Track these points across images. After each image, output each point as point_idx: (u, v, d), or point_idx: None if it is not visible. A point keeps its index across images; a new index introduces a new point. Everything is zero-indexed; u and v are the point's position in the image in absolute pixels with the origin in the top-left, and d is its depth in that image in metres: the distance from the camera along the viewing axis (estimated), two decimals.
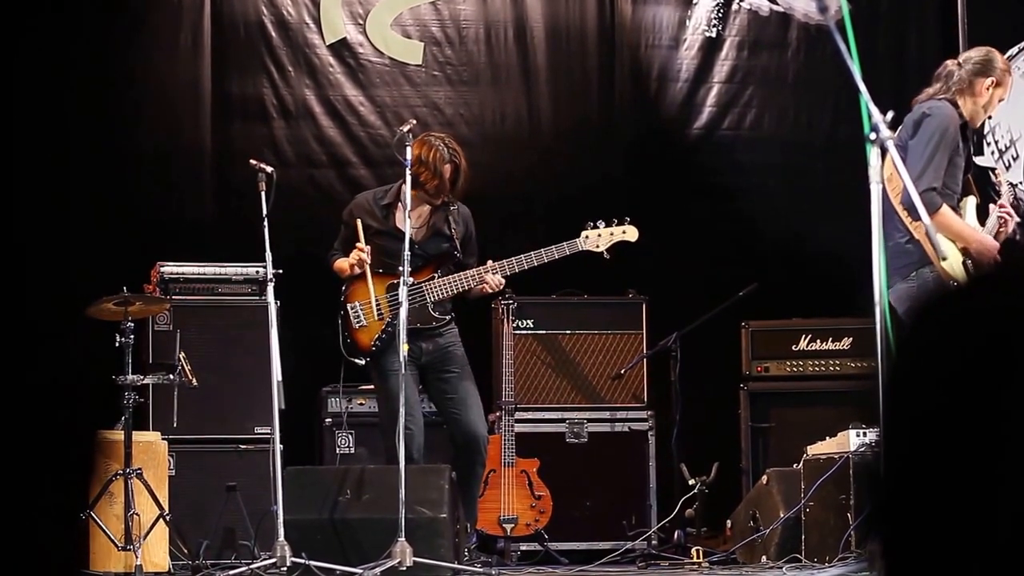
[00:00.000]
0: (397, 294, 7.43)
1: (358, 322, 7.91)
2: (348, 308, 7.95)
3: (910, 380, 1.71)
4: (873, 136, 5.07)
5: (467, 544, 7.88)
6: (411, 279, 7.37)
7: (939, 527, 1.65)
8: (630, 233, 8.09)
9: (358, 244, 7.81)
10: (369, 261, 7.77)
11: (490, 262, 7.89)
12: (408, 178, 7.44)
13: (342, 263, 7.96)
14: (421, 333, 7.84)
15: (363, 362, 7.90)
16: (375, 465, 7.92)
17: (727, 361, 9.29)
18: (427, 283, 7.88)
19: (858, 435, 7.54)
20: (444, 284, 7.89)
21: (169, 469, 8.02)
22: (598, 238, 8.02)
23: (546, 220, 9.42)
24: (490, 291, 7.97)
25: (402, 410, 7.25)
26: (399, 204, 7.85)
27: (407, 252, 7.30)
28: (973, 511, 1.63)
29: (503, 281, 7.91)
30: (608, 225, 8.05)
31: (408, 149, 7.43)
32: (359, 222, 7.83)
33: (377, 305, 7.86)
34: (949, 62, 7.29)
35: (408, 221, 7.42)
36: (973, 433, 1.64)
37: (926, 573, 1.66)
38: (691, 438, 9.03)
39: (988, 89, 7.17)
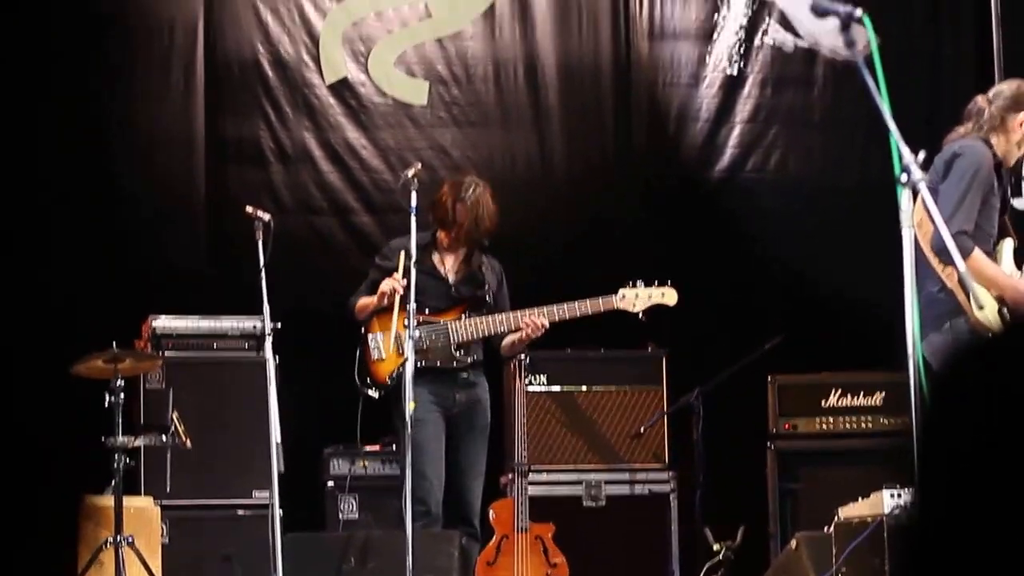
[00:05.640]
0: (422, 329, 7.57)
1: (377, 354, 7.89)
2: (368, 339, 7.93)
3: (945, 431, 1.71)
4: (904, 178, 5.06)
5: None
6: (418, 331, 7.36)
7: None
8: (669, 296, 8.01)
9: (395, 275, 7.76)
10: (401, 293, 7.63)
11: (524, 310, 7.84)
12: (413, 225, 7.44)
13: (367, 299, 7.92)
14: (456, 379, 7.86)
15: (377, 395, 7.85)
16: (380, 531, 7.90)
17: (753, 418, 9.25)
18: (453, 322, 7.87)
19: (892, 496, 7.50)
20: (470, 325, 7.86)
21: (162, 536, 8.01)
22: (635, 299, 7.95)
23: (560, 268, 9.40)
24: (530, 335, 7.86)
25: (408, 472, 7.22)
26: (436, 246, 7.91)
27: (412, 304, 7.30)
28: (1015, 566, 1.63)
29: (547, 324, 7.83)
30: (648, 286, 7.99)
31: (414, 194, 7.45)
32: (402, 254, 7.69)
33: (397, 338, 7.81)
34: (979, 98, 7.18)
35: (413, 271, 7.42)
36: (1013, 484, 1.64)
37: None
38: (715, 500, 8.99)
39: (1022, 125, 7.07)
